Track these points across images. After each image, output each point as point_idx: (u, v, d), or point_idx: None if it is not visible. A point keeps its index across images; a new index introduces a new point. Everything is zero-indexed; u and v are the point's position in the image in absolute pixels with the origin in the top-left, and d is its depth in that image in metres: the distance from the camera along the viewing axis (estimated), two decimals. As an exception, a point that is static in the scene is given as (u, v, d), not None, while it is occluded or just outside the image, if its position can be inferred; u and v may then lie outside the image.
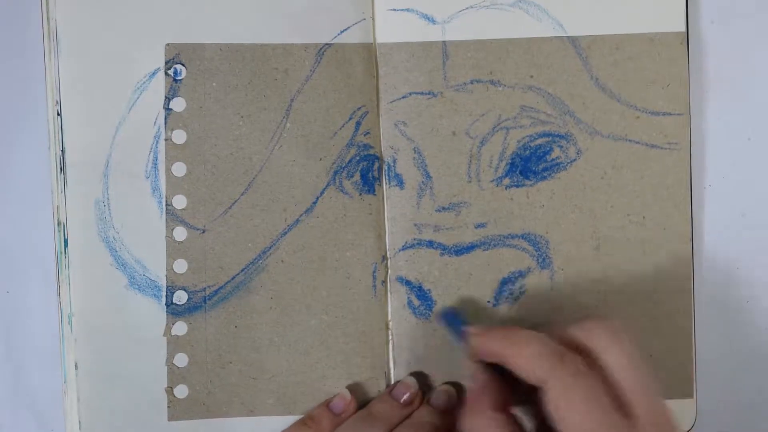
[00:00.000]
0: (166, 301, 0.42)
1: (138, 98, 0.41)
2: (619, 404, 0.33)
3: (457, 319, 0.41)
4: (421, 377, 0.42)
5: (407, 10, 0.42)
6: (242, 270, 0.42)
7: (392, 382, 0.42)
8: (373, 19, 0.42)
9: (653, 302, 0.42)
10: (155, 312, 0.42)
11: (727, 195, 0.44)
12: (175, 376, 0.42)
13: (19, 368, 0.44)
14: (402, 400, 0.41)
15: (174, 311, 0.42)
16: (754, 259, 0.44)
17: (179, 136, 0.41)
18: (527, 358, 0.34)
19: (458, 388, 0.42)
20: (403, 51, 0.42)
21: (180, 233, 0.42)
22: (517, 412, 0.36)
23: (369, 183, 0.42)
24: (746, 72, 0.44)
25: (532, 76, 0.42)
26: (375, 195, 0.42)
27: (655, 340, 0.42)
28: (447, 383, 0.42)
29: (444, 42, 0.42)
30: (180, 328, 0.42)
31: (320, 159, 0.42)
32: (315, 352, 0.42)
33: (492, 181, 0.42)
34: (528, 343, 0.35)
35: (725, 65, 0.44)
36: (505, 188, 0.42)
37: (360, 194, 0.42)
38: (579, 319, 0.35)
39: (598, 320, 0.35)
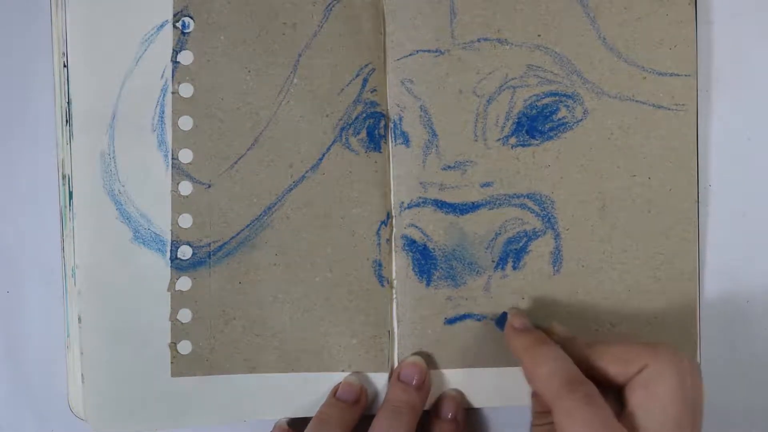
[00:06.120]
0: (171, 256, 0.42)
1: (145, 51, 0.41)
2: None
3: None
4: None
5: (416, -34, 0.42)
6: (247, 226, 0.42)
7: (396, 341, 0.42)
8: (381, -25, 0.42)
9: (658, 263, 0.42)
10: (159, 266, 0.42)
11: (727, 195, 0.44)
12: (178, 331, 0.42)
13: (19, 368, 0.44)
14: (413, 383, 0.41)
15: (178, 266, 0.42)
16: (755, 259, 0.44)
17: (186, 90, 0.41)
18: (540, 378, 0.36)
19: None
20: (411, 8, 0.42)
21: (185, 188, 0.42)
22: None
23: (375, 140, 0.42)
24: (746, 72, 0.44)
25: (539, 35, 0.42)
26: (381, 152, 0.42)
27: (659, 302, 0.42)
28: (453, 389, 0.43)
29: (452, -1, 0.42)
30: (184, 283, 0.42)
31: (327, 115, 0.42)
32: (319, 310, 0.42)
33: (498, 140, 0.42)
34: (544, 362, 0.36)
35: (725, 65, 0.43)
36: (512, 147, 0.42)
37: (366, 151, 0.42)
38: (655, 342, 0.36)
39: (671, 348, 0.35)
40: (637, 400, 0.34)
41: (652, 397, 0.34)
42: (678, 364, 0.34)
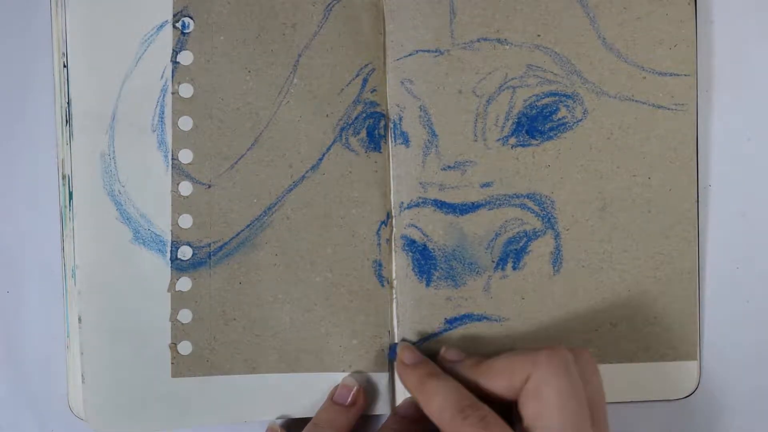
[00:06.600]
0: (171, 256, 0.42)
1: (145, 51, 0.41)
2: None
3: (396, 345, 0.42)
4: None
5: (416, -34, 0.42)
6: (247, 226, 0.42)
7: (395, 341, 0.42)
8: (381, -24, 0.42)
9: (658, 263, 0.42)
10: (160, 267, 0.42)
11: (727, 195, 0.44)
12: (178, 332, 0.42)
13: (19, 368, 0.44)
14: (346, 403, 0.41)
15: (178, 266, 0.42)
16: (755, 259, 0.44)
17: (186, 90, 0.41)
18: (434, 411, 0.36)
19: None
20: (411, 8, 0.42)
21: (185, 188, 0.42)
22: None
23: (375, 140, 0.42)
24: (746, 72, 0.44)
25: (539, 35, 0.42)
26: (381, 152, 0.42)
27: (659, 302, 0.42)
28: None
29: (452, -1, 0.42)
30: (184, 283, 0.42)
31: (327, 115, 0.42)
32: (319, 310, 0.42)
33: (498, 140, 0.42)
34: (435, 395, 0.36)
35: (725, 65, 0.43)
36: (511, 147, 0.42)
37: (366, 151, 0.42)
38: (534, 348, 0.36)
39: (549, 352, 0.35)
40: (530, 411, 0.34)
41: (543, 405, 0.34)
42: (558, 365, 0.34)
